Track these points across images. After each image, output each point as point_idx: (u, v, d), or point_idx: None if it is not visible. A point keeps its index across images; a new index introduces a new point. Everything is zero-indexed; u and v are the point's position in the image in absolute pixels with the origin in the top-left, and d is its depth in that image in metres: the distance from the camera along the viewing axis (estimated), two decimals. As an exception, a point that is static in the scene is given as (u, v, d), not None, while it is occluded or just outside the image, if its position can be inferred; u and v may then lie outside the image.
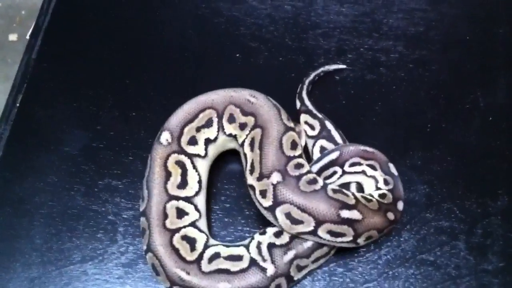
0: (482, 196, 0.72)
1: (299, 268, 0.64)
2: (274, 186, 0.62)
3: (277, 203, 0.62)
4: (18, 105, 0.79)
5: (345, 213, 0.60)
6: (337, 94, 0.79)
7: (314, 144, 0.71)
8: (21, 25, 1.57)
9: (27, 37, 1.41)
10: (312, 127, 0.72)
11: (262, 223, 0.68)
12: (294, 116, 0.73)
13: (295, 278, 0.65)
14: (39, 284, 0.68)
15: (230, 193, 0.73)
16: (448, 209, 0.71)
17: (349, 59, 0.81)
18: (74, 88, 0.81)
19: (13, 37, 1.56)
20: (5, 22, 1.57)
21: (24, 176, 0.75)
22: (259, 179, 0.64)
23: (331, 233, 0.61)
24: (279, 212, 0.62)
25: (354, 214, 0.61)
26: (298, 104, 0.76)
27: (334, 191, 0.62)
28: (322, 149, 0.70)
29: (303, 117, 0.74)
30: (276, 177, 0.62)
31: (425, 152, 0.75)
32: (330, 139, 0.71)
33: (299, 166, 0.64)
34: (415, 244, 0.69)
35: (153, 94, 0.81)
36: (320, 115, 0.73)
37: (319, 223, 0.61)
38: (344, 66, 0.81)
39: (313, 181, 0.63)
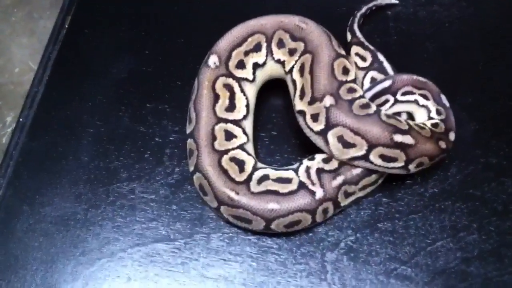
0: (533, 134, 0.71)
1: (347, 195, 0.64)
2: (327, 109, 0.61)
3: (329, 126, 0.61)
4: (66, 26, 0.79)
5: (398, 137, 0.60)
6: (388, 29, 0.78)
7: (365, 76, 0.70)
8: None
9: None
10: (363, 59, 0.72)
11: (309, 152, 0.67)
12: (345, 49, 0.71)
13: (342, 204, 0.65)
14: (85, 200, 0.69)
15: (277, 121, 0.73)
16: (497, 147, 0.70)
17: (402, -5, 0.80)
18: (122, 13, 0.81)
19: (39, -9, 1.56)
20: (33, -23, 1.57)
21: (71, 97, 0.75)
22: (311, 103, 0.63)
23: (383, 157, 0.61)
24: (331, 135, 0.62)
25: (407, 139, 0.60)
26: (349, 36, 0.75)
27: (388, 116, 0.62)
28: (373, 80, 0.69)
29: (354, 49, 0.73)
30: (329, 100, 0.62)
31: (475, 91, 0.74)
32: (382, 70, 0.70)
33: (352, 90, 0.63)
34: (463, 179, 0.68)
35: (201, 21, 0.80)
36: (371, 47, 0.72)
37: (371, 146, 0.60)
38: (397, 1, 0.79)
39: (366, 106, 0.62)
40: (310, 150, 0.66)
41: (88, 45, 0.79)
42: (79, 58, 0.78)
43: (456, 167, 0.69)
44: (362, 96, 0.63)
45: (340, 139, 0.61)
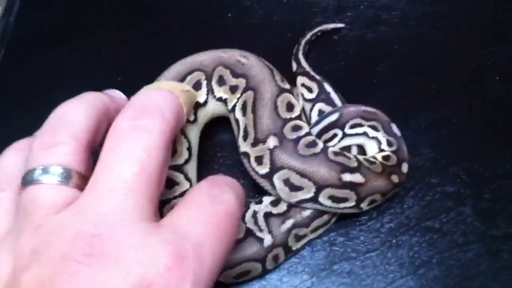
0: (490, 159, 0.67)
1: (298, 238, 0.60)
2: (271, 151, 0.58)
3: (274, 169, 0.58)
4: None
5: (347, 177, 0.56)
6: (336, 54, 0.74)
7: (312, 108, 0.67)
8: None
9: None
10: (309, 90, 0.68)
11: (257, 193, 0.64)
12: (291, 79, 0.68)
13: (293, 248, 0.61)
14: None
15: (223, 162, 0.69)
16: (455, 174, 0.67)
17: (348, 17, 0.76)
18: (67, 45, 0.77)
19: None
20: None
21: (14, 135, 0.70)
22: (254, 144, 0.60)
23: (332, 198, 0.57)
24: (277, 179, 0.58)
25: (357, 177, 0.57)
26: (294, 66, 0.71)
27: (335, 153, 0.58)
28: (321, 112, 0.66)
29: (300, 79, 0.69)
30: (272, 142, 0.58)
31: (430, 114, 0.70)
32: (329, 102, 0.66)
33: (296, 128, 0.60)
34: (420, 210, 0.65)
35: (140, 58, 0.76)
36: (318, 77, 0.68)
37: (320, 188, 0.56)
38: (342, 25, 0.76)
39: (313, 144, 0.59)
40: (259, 190, 0.62)
41: (28, 76, 0.75)
42: (19, 90, 0.74)
43: (412, 198, 0.66)
44: (308, 133, 0.60)
45: (287, 182, 0.58)
